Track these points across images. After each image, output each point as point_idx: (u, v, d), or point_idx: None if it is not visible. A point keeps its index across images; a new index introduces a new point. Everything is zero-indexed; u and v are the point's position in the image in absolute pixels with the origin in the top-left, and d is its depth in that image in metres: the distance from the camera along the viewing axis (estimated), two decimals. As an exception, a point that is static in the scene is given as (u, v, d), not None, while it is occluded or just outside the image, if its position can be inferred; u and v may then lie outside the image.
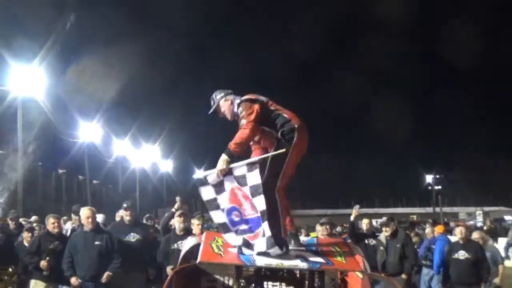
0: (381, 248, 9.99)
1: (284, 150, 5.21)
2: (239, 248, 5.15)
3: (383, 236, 10.15)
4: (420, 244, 11.77)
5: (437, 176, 63.16)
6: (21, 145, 24.42)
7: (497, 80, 75.05)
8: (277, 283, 5.46)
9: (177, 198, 9.89)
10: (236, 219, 5.16)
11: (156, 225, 10.78)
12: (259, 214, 5.04)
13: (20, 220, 12.46)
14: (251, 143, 5.51)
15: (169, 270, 8.04)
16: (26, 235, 9.57)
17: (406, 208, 68.62)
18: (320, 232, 9.44)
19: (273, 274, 5.40)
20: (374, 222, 12.43)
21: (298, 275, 5.50)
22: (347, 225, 13.06)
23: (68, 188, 43.11)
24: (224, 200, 5.17)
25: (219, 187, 5.16)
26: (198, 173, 5.28)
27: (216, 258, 5.18)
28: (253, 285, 5.39)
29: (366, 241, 10.19)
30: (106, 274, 8.14)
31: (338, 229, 18.30)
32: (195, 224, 8.51)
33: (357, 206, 11.00)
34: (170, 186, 56.74)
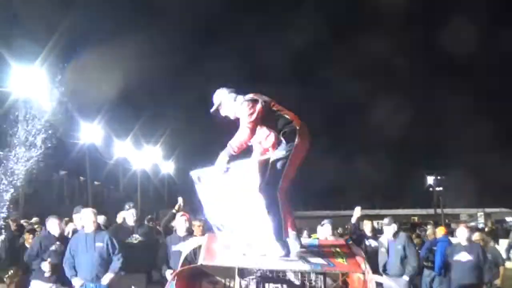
0: (383, 249, 9.98)
1: (284, 152, 5.22)
2: (240, 248, 5.15)
3: (384, 237, 10.14)
4: (421, 246, 11.76)
5: (438, 178, 63.09)
6: (22, 147, 24.40)
7: (498, 80, 74.94)
8: (279, 285, 5.46)
9: (180, 199, 9.89)
10: (232, 218, 5.17)
11: (158, 227, 10.78)
12: (255, 213, 5.06)
13: (21, 221, 12.49)
14: (253, 142, 5.52)
15: (168, 275, 8.02)
16: (27, 237, 9.59)
17: (408, 210, 68.42)
18: (321, 233, 9.45)
19: (275, 275, 5.40)
20: (375, 223, 12.39)
21: (299, 277, 5.50)
22: (348, 227, 13.04)
23: (69, 190, 43.13)
24: (220, 198, 5.18)
25: (216, 185, 5.17)
26: (196, 170, 5.27)
27: (218, 260, 5.18)
28: (254, 286, 5.39)
29: (367, 243, 10.18)
30: (107, 275, 8.14)
31: (340, 230, 18.29)
32: (197, 226, 8.50)
33: (358, 208, 10.99)
34: (172, 187, 56.66)
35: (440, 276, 10.02)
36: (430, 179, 63.59)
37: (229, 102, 5.47)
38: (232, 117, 5.48)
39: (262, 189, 5.25)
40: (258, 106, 5.26)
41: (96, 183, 45.65)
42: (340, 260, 5.30)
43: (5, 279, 9.41)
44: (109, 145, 43.70)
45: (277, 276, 5.41)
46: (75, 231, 9.94)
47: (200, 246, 5.54)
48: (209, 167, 5.17)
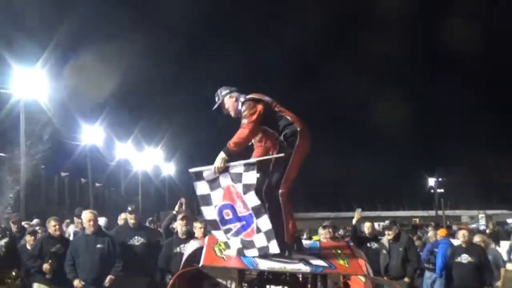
0: (384, 251, 9.97)
1: (283, 154, 5.22)
2: (239, 249, 5.15)
3: (385, 239, 10.13)
4: (422, 248, 11.74)
5: (440, 179, 63.07)
6: (24, 148, 24.44)
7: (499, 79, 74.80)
8: (280, 287, 5.45)
9: (182, 200, 9.88)
10: (227, 217, 5.17)
11: (159, 229, 10.77)
12: (251, 211, 5.06)
13: (23, 223, 12.48)
14: (254, 141, 5.53)
15: (167, 279, 8.01)
16: (29, 238, 9.57)
17: (409, 211, 68.41)
18: (322, 235, 9.44)
19: (276, 277, 5.39)
20: (376, 225, 12.41)
21: (300, 279, 5.49)
22: (350, 228, 13.03)
23: (70, 191, 43.09)
24: (217, 197, 5.18)
25: (214, 183, 5.18)
26: (195, 168, 5.28)
27: (219, 262, 5.17)
28: (255, 288, 5.39)
29: (368, 245, 10.18)
30: (108, 277, 8.14)
31: (341, 232, 18.27)
32: (198, 228, 8.49)
33: (359, 210, 11.01)
34: (173, 189, 56.69)
35: (441, 278, 9.98)
36: (431, 181, 63.60)
37: (230, 101, 5.49)
38: (233, 115, 5.50)
39: (264, 191, 5.25)
40: (259, 107, 5.26)
41: (97, 184, 45.65)
42: (341, 262, 5.28)
43: (7, 281, 9.40)
44: (111, 147, 43.82)
45: (278, 278, 5.41)
46: (76, 233, 9.95)
47: (201, 248, 5.53)
48: (208, 165, 5.19)
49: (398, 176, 70.01)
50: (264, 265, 5.05)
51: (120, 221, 9.77)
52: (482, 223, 48.02)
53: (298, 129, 5.26)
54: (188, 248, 6.06)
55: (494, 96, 75.60)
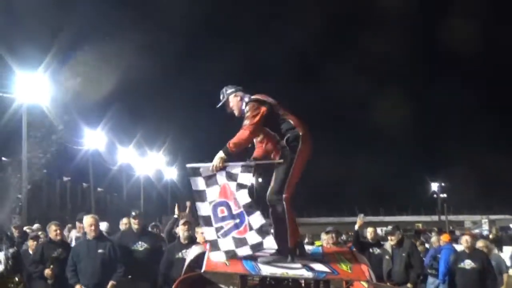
0: (387, 257, 9.93)
1: (282, 160, 5.23)
2: (229, 251, 5.15)
3: (388, 245, 10.09)
4: (425, 253, 11.70)
5: (443, 184, 62.91)
6: (26, 153, 24.43)
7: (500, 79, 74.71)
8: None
9: (187, 203, 9.85)
10: (222, 214, 5.18)
11: (162, 234, 10.75)
12: (242, 209, 5.07)
13: (24, 228, 12.46)
14: (255, 141, 5.53)
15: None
16: (31, 244, 9.54)
17: (412, 216, 68.23)
18: (325, 240, 9.42)
19: (278, 283, 5.36)
20: (379, 230, 12.36)
21: (303, 285, 5.46)
22: (352, 233, 13.00)
23: (72, 196, 43.08)
24: (213, 194, 5.20)
25: (210, 180, 5.21)
26: (192, 164, 5.30)
27: (221, 267, 5.16)
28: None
29: (371, 250, 10.14)
30: (110, 283, 8.09)
31: (343, 237, 18.24)
32: (200, 233, 8.46)
33: (362, 215, 10.98)
34: (175, 193, 56.64)
35: (444, 283, 9.94)
36: (434, 186, 63.40)
37: (235, 100, 5.48)
38: (237, 114, 5.49)
39: (268, 197, 5.24)
40: (263, 108, 5.25)
41: (99, 189, 45.65)
42: (344, 267, 5.26)
43: (10, 286, 9.38)
44: (113, 151, 43.77)
45: (281, 284, 5.38)
46: (77, 238, 9.93)
47: (203, 253, 5.51)
48: (207, 163, 5.21)
49: (398, 176, 69.78)
50: (267, 270, 5.04)
51: (122, 226, 9.72)
52: (485, 228, 47.89)
53: (301, 133, 5.25)
54: (190, 254, 6.04)
55: (494, 96, 75.50)
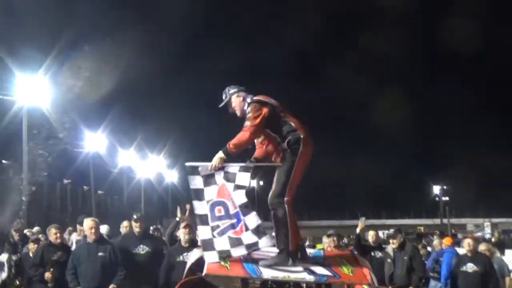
0: (389, 260, 9.88)
1: (280, 164, 5.21)
2: (223, 251, 5.12)
3: (390, 248, 10.05)
4: (427, 256, 11.66)
5: (445, 187, 62.87)
6: (26, 155, 24.42)
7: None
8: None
9: (187, 206, 9.83)
10: (219, 214, 5.16)
11: (163, 237, 10.71)
12: (238, 209, 5.06)
13: (25, 231, 12.43)
14: (256, 142, 5.52)
15: None
16: (32, 247, 9.50)
17: (413, 220, 68.13)
18: (327, 244, 9.38)
19: (280, 286, 5.34)
20: (381, 233, 12.29)
21: (304, 288, 5.44)
22: (354, 237, 12.96)
23: (73, 199, 43.04)
24: (211, 193, 5.19)
25: (208, 180, 5.21)
26: (191, 162, 5.28)
27: (222, 271, 5.13)
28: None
29: (373, 253, 10.09)
30: (111, 287, 8.05)
31: (345, 240, 18.20)
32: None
33: (363, 218, 10.92)
34: (176, 196, 56.65)
35: (446, 287, 9.90)
36: (436, 189, 63.40)
37: (238, 100, 5.46)
38: (239, 115, 5.47)
39: (269, 200, 5.22)
40: (265, 110, 5.23)
41: (99, 192, 45.63)
42: (346, 271, 5.24)
43: None
44: (113, 154, 43.80)
45: (282, 287, 5.36)
46: (78, 241, 9.90)
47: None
48: (206, 162, 5.20)
49: (398, 176, 69.71)
50: (268, 274, 5.01)
51: (123, 229, 9.69)
52: (487, 231, 47.86)
53: (302, 136, 5.23)
54: (191, 257, 6.02)
55: (494, 96, 75.49)
